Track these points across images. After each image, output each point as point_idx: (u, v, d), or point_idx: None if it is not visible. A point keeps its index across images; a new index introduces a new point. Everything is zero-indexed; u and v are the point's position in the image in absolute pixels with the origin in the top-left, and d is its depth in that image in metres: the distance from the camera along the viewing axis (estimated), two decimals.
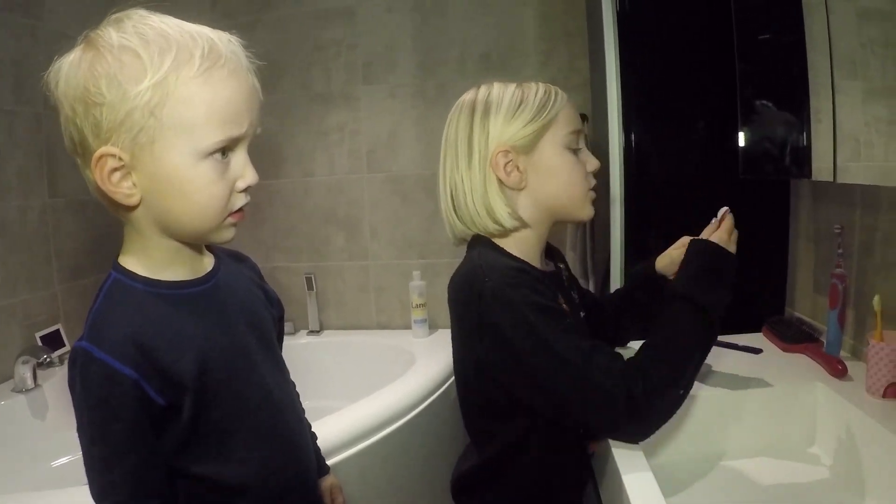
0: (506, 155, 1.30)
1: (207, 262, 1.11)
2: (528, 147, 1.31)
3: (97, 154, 0.90)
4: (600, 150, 2.16)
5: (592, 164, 1.37)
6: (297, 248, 3.21)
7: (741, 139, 1.84)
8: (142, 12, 0.94)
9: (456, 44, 2.90)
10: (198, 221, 0.98)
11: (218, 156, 0.95)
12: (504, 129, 1.30)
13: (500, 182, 1.32)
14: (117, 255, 1.03)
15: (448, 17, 2.89)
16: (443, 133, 1.39)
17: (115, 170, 0.91)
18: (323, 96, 3.06)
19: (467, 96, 1.38)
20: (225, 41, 0.97)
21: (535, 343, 1.18)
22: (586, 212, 1.38)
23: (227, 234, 1.04)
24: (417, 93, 2.96)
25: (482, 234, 1.37)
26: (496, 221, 1.32)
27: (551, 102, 1.32)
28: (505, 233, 1.35)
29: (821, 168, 1.53)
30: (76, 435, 0.95)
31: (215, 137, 0.94)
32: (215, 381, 1.02)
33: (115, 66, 0.88)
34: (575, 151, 1.35)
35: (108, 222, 1.01)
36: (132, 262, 1.01)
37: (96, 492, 0.95)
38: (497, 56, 2.87)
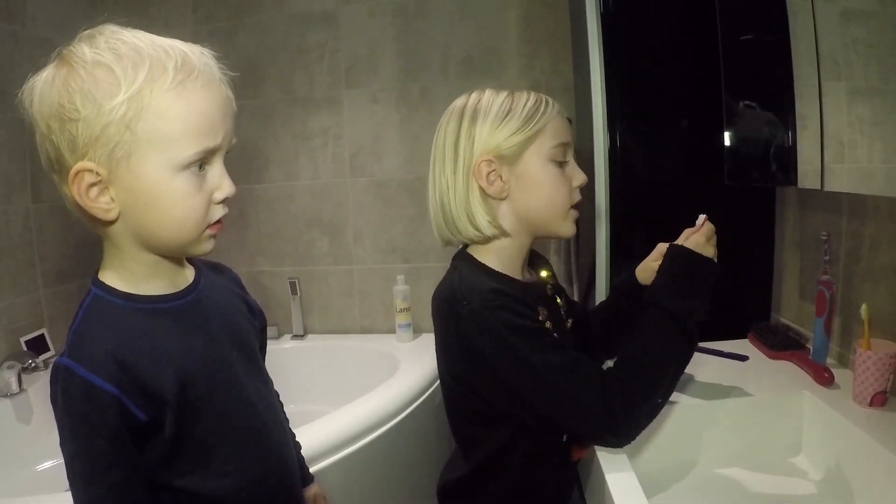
0: (489, 164, 1.29)
1: (188, 275, 1.11)
2: (513, 157, 1.30)
3: (74, 170, 0.90)
4: (584, 154, 2.16)
5: (579, 178, 1.35)
6: (281, 252, 3.19)
7: (726, 145, 1.83)
8: (113, 27, 0.94)
9: (438, 47, 2.89)
10: (176, 235, 0.98)
11: (195, 168, 0.95)
12: (489, 138, 1.29)
13: (482, 190, 1.31)
14: (97, 271, 1.03)
15: (430, 20, 2.88)
16: (433, 137, 1.38)
17: (93, 185, 0.91)
18: (306, 100, 3.05)
19: (458, 101, 1.36)
20: (197, 54, 0.97)
21: (514, 364, 1.20)
22: (566, 229, 1.37)
23: (206, 247, 1.03)
24: (400, 97, 2.95)
25: (465, 241, 1.37)
26: (476, 228, 1.32)
27: (540, 113, 1.30)
28: (485, 240, 1.34)
29: (807, 174, 1.53)
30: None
31: (191, 150, 0.94)
32: (196, 396, 1.02)
33: (89, 81, 0.88)
34: (561, 164, 1.33)
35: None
36: (111, 276, 1.01)
37: None
38: (480, 59, 2.87)
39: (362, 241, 3.10)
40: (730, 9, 1.78)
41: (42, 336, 2.72)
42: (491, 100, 1.32)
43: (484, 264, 1.34)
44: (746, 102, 1.79)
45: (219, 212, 1.02)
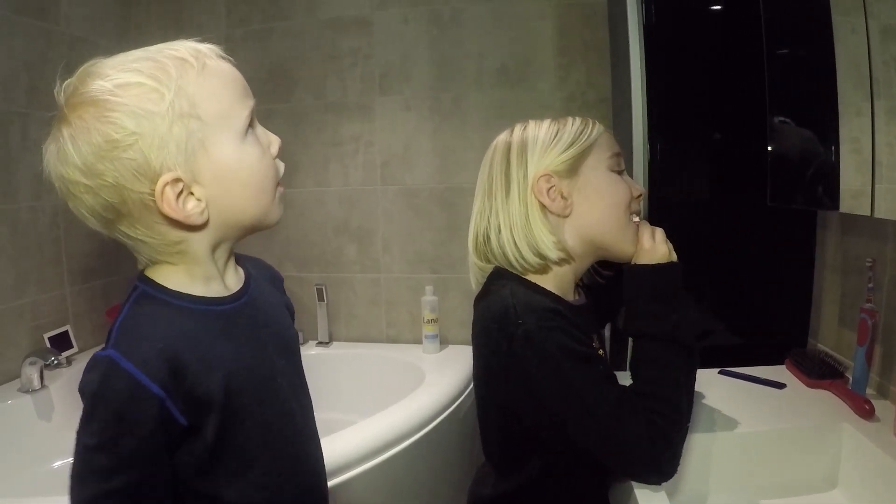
0: (548, 180, 1.27)
1: (239, 278, 1.11)
2: (571, 171, 1.28)
3: (160, 186, 0.90)
4: None
5: (637, 188, 1.34)
6: (309, 258, 3.19)
7: (770, 166, 1.80)
8: (96, 61, 0.94)
9: (473, 56, 2.87)
10: (259, 202, 1.01)
11: (250, 131, 0.99)
12: (542, 158, 1.28)
13: (543, 209, 1.28)
14: (143, 269, 1.02)
15: (465, 28, 2.86)
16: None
17: (179, 194, 0.92)
18: (338, 106, 3.04)
19: (500, 138, 1.36)
20: (190, 42, 0.99)
21: (564, 392, 1.17)
22: (630, 247, 1.32)
23: (280, 210, 1.06)
24: (433, 105, 2.93)
25: (520, 272, 1.33)
26: (539, 254, 1.28)
27: (588, 129, 1.30)
28: (545, 268, 1.31)
29: (848, 198, 1.50)
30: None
31: (243, 112, 0.98)
32: (241, 404, 1.00)
33: (126, 102, 0.88)
34: (619, 174, 1.32)
35: None
36: (163, 275, 1.00)
37: (88, 495, 0.91)
38: (514, 69, 2.84)
39: (391, 250, 3.08)
40: (774, 26, 1.75)
41: (66, 333, 2.74)
42: (536, 128, 1.32)
43: (535, 283, 1.30)
44: (791, 122, 1.75)
45: (280, 165, 1.05)
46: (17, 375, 2.44)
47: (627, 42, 2.03)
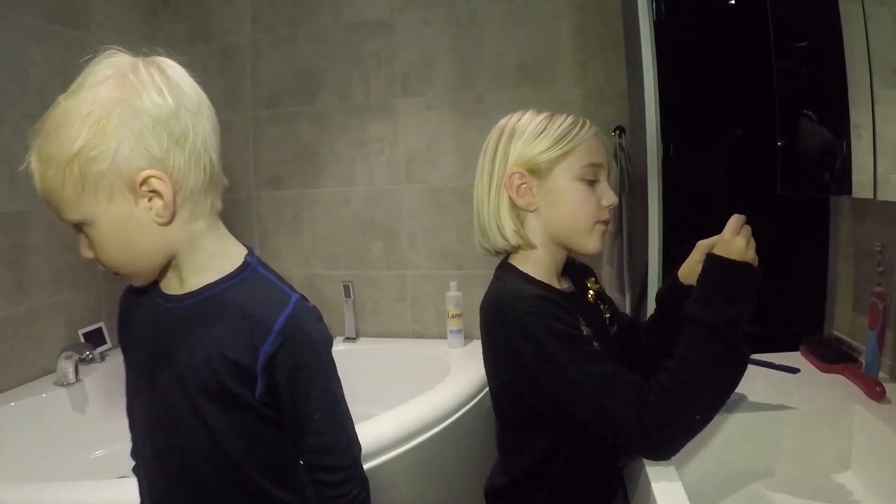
0: (521, 176, 1.34)
1: None
2: (543, 172, 1.34)
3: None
4: (638, 162, 2.15)
5: (608, 198, 1.37)
6: (336, 255, 3.23)
7: (780, 153, 1.82)
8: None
9: (492, 56, 2.92)
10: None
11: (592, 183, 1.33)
12: (522, 152, 1.34)
13: (512, 201, 1.36)
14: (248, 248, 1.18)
15: (484, 29, 2.91)
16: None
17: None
18: (362, 107, 3.09)
19: (501, 121, 1.42)
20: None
21: (553, 371, 1.22)
22: (591, 244, 1.38)
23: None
24: (455, 105, 2.98)
25: (496, 249, 1.42)
26: (503, 237, 1.37)
27: (573, 133, 1.33)
28: (513, 249, 1.39)
29: (861, 183, 1.52)
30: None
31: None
32: None
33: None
34: (591, 184, 1.35)
35: None
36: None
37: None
38: (534, 68, 2.88)
39: (416, 247, 3.13)
40: (782, 17, 1.78)
41: (100, 329, 2.83)
42: (529, 119, 1.38)
43: (526, 273, 1.37)
44: (800, 111, 1.78)
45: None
46: (53, 369, 2.52)
47: (640, 39, 2.06)
